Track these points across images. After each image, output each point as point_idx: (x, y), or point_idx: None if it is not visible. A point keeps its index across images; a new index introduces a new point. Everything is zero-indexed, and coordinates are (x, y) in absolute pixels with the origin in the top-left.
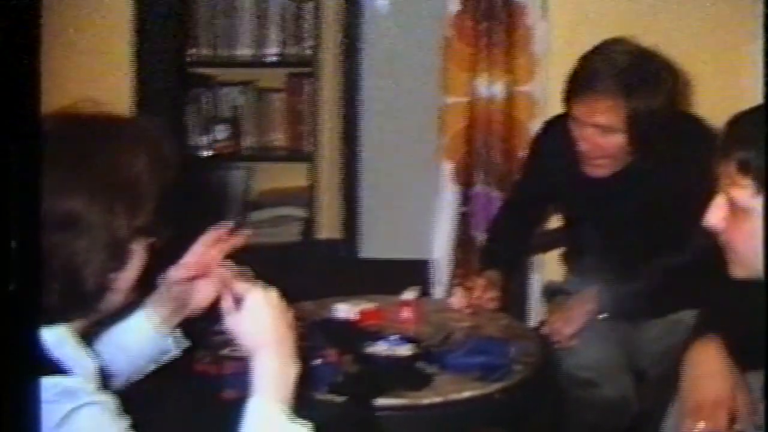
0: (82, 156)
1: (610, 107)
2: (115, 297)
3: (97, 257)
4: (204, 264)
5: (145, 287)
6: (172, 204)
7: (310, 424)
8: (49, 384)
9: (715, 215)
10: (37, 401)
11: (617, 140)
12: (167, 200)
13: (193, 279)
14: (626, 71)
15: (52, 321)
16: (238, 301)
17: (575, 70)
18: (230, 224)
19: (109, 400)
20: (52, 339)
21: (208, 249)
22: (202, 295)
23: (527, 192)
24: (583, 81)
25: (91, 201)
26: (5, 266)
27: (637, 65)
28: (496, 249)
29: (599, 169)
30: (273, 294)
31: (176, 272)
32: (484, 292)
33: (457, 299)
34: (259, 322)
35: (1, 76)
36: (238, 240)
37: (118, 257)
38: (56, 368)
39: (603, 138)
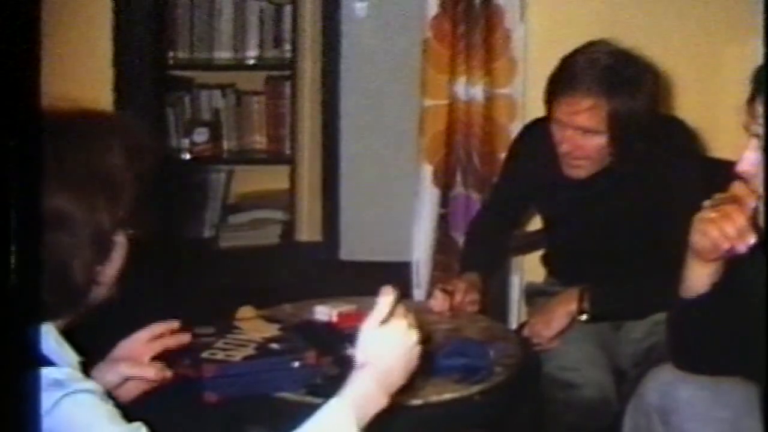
0: (60, 153)
1: (592, 107)
2: (100, 290)
3: (83, 252)
4: (133, 358)
5: (126, 281)
6: (151, 195)
7: None
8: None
9: (748, 161)
10: (36, 397)
11: (598, 141)
12: (146, 190)
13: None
14: (608, 72)
15: (41, 318)
16: (384, 319)
17: (556, 70)
18: (174, 324)
19: (96, 387)
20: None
21: (141, 344)
22: (126, 388)
23: (506, 194)
24: (564, 81)
25: (74, 197)
26: (5, 264)
27: (619, 66)
28: (475, 251)
29: (579, 170)
30: (413, 336)
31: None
32: (465, 295)
33: (438, 302)
34: (386, 347)
35: (0, 74)
36: (182, 339)
37: (103, 250)
38: (42, 361)
39: (584, 139)
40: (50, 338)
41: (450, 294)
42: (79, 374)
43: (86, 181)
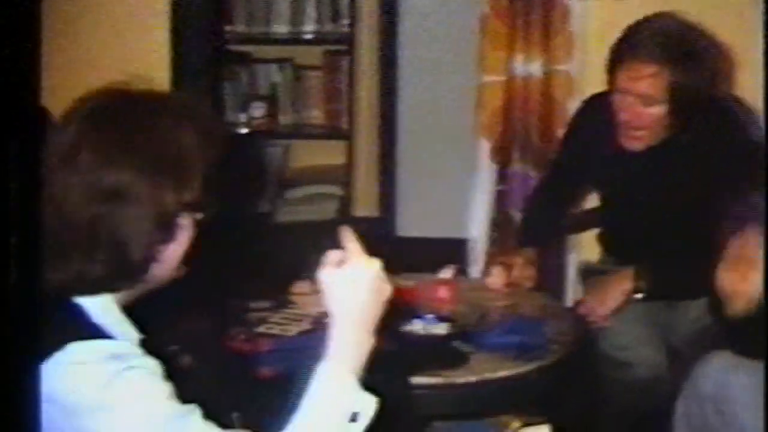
0: (130, 130)
1: (653, 75)
2: (161, 270)
3: (143, 229)
4: None
5: (191, 264)
6: (218, 181)
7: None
8: (96, 347)
9: None
10: (36, 395)
11: (657, 111)
12: (214, 177)
13: None
14: (672, 41)
15: (97, 290)
16: (341, 260)
17: (621, 38)
18: None
19: (155, 365)
20: (95, 306)
21: None
22: None
23: (564, 169)
24: (628, 48)
25: (138, 174)
26: (5, 261)
27: (684, 37)
28: (532, 226)
29: (637, 141)
30: (376, 265)
31: None
32: (522, 270)
33: (495, 277)
34: (352, 290)
35: (0, 74)
36: None
37: (164, 230)
38: (100, 334)
39: (643, 108)
40: (109, 312)
41: (508, 269)
42: (138, 350)
43: (155, 159)
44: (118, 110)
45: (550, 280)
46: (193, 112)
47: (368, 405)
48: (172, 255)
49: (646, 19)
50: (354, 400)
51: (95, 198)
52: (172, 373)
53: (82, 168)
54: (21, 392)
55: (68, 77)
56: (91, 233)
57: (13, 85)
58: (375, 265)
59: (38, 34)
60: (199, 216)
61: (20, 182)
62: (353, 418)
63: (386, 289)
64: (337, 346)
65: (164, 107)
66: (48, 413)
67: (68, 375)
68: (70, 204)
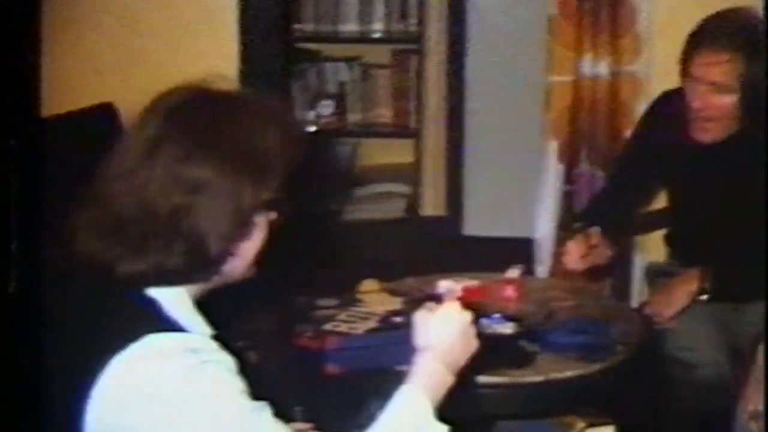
0: (213, 126)
1: (727, 62)
2: (236, 266)
3: (222, 223)
4: None
5: (264, 262)
6: (294, 182)
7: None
8: (174, 339)
9: None
10: (39, 400)
11: (729, 101)
12: (292, 178)
13: None
14: (747, 31)
15: (174, 282)
16: (436, 300)
17: (696, 28)
18: None
19: (231, 360)
20: (169, 300)
21: None
22: None
23: (633, 166)
24: (702, 36)
25: (220, 169)
26: (5, 267)
27: (757, 30)
28: (597, 210)
29: (708, 133)
30: (467, 316)
31: None
32: (597, 245)
33: (572, 253)
34: (443, 329)
35: (1, 76)
36: None
37: (242, 226)
38: (175, 327)
39: (716, 97)
40: (183, 306)
41: (586, 239)
42: (214, 344)
43: (237, 156)
44: (200, 106)
45: (616, 280)
46: (275, 112)
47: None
48: (247, 253)
49: (721, 12)
50: (428, 423)
51: (177, 190)
52: (240, 369)
53: (164, 161)
54: (21, 393)
55: (136, 75)
56: (171, 224)
57: (14, 86)
58: (467, 315)
59: (38, 35)
60: (273, 216)
61: (20, 182)
62: None
63: (474, 343)
64: (420, 373)
65: (246, 106)
66: (116, 406)
67: (145, 366)
68: (151, 195)
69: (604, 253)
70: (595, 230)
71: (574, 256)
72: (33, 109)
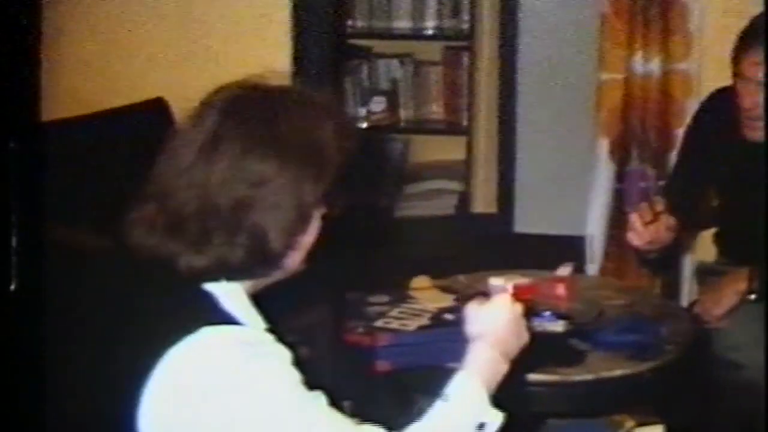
0: (271, 121)
1: None
2: (293, 261)
3: (283, 217)
4: None
5: (313, 259)
6: (347, 177)
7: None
8: (231, 331)
9: None
10: (37, 399)
11: None
12: (345, 173)
13: None
14: None
15: (236, 276)
16: (487, 295)
17: (747, 28)
18: None
19: (287, 352)
20: (225, 294)
21: None
22: None
23: (687, 167)
24: (752, 36)
25: (282, 164)
26: (6, 265)
27: None
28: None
29: (758, 131)
30: (519, 307)
31: None
32: (664, 217)
33: (637, 218)
34: (495, 319)
35: (1, 77)
36: None
37: (303, 221)
38: (232, 320)
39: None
40: (239, 300)
41: (651, 208)
42: (270, 337)
43: (296, 150)
44: (257, 101)
45: (666, 280)
46: (329, 107)
47: (496, 418)
48: (303, 247)
49: None
50: (483, 410)
51: (239, 184)
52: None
53: (225, 156)
54: (22, 389)
55: (189, 71)
56: (233, 219)
57: (14, 86)
58: (519, 306)
59: (38, 35)
60: (325, 210)
61: (20, 182)
62: (480, 427)
63: (525, 335)
64: (473, 360)
65: (301, 101)
66: (173, 398)
67: (203, 358)
68: (213, 190)
69: (668, 224)
70: (659, 199)
71: (639, 224)
72: (33, 112)
